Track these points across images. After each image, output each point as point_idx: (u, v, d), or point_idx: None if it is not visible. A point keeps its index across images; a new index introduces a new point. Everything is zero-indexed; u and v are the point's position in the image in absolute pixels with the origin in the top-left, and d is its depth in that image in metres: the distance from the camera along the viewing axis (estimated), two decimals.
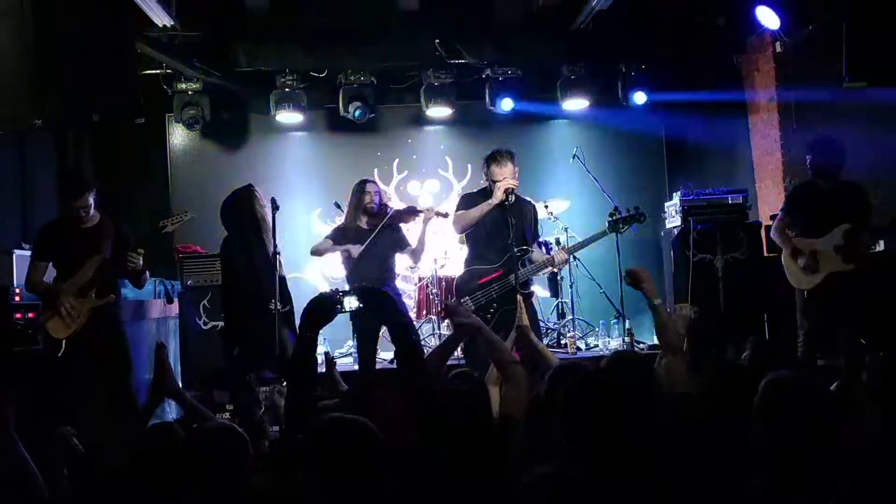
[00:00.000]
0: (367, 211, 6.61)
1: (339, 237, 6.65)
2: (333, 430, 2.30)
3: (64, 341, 5.43)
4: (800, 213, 6.13)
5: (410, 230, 6.85)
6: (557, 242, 7.99)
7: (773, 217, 7.00)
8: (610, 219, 5.85)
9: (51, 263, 5.61)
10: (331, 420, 2.37)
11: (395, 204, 8.54)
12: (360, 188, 6.72)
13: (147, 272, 5.71)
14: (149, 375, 7.14)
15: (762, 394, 2.40)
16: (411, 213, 6.78)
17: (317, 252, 6.73)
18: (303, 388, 3.10)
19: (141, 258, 5.49)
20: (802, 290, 6.15)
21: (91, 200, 5.53)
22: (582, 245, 5.92)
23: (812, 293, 6.08)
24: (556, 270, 5.92)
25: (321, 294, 3.29)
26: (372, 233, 6.50)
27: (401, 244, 6.71)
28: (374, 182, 6.90)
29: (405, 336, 3.13)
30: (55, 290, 5.47)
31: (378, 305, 3.24)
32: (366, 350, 6.56)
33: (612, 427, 2.29)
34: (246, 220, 5.82)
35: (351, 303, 3.21)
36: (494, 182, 5.64)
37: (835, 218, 5.95)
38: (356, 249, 6.47)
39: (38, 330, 5.53)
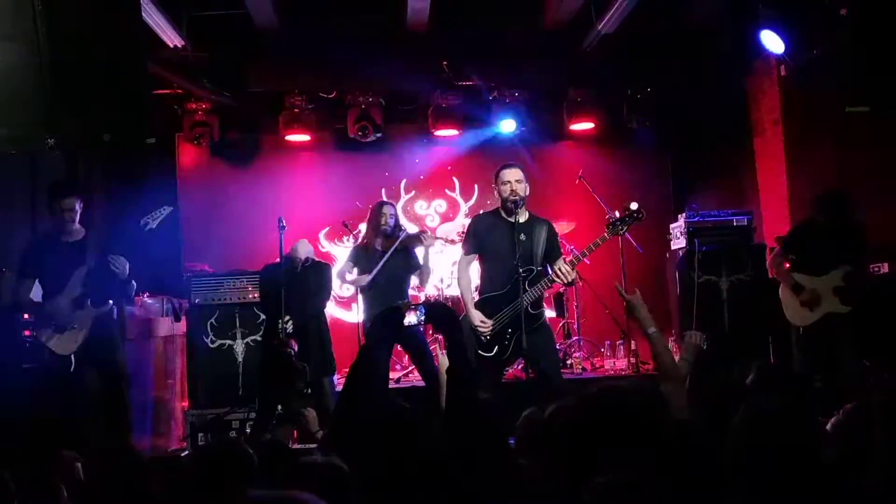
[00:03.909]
0: (382, 232, 6.74)
1: (358, 257, 6.84)
2: (302, 476, 2.32)
3: (73, 356, 5.46)
4: (800, 251, 6.20)
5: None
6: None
7: (778, 239, 7.05)
8: (608, 222, 5.63)
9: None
10: (300, 465, 2.40)
11: (404, 224, 8.59)
12: (378, 210, 6.89)
13: (133, 282, 5.73)
14: (154, 394, 7.24)
15: (743, 416, 2.41)
16: (416, 238, 6.89)
17: (340, 277, 7.00)
18: (355, 404, 3.10)
19: (126, 265, 5.52)
20: (798, 326, 6.25)
21: (77, 206, 5.58)
22: (584, 254, 5.53)
23: (807, 329, 6.17)
24: (563, 284, 5.67)
25: (387, 309, 3.31)
26: (384, 255, 6.65)
27: (414, 267, 6.86)
28: (391, 204, 7.04)
29: (461, 354, 3.14)
30: (40, 307, 5.50)
31: (443, 320, 3.24)
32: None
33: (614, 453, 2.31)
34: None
35: (411, 318, 3.23)
36: (504, 183, 5.51)
37: (833, 258, 6.02)
38: (364, 279, 6.68)
39: (41, 349, 5.54)
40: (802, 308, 6.12)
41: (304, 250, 6.58)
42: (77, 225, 5.67)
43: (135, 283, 5.78)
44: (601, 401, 2.47)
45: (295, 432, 6.36)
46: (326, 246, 9.27)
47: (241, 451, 2.79)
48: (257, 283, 7.23)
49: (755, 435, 2.33)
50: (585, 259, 5.61)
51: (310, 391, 6.33)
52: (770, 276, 6.61)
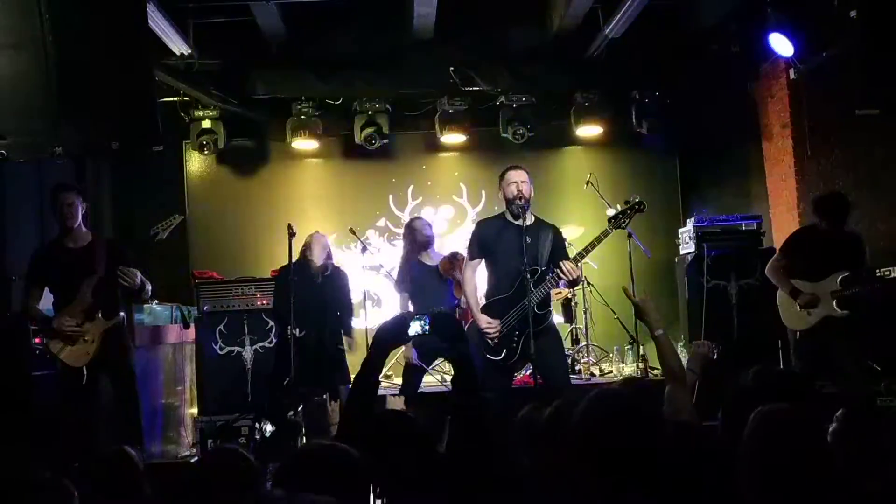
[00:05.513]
0: (425, 246, 6.92)
1: (404, 278, 6.94)
2: (310, 456, 2.33)
3: (85, 368, 5.44)
4: (799, 256, 6.24)
5: None
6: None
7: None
8: (609, 216, 5.65)
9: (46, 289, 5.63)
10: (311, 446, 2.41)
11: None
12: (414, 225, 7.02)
13: (147, 288, 5.70)
14: (164, 400, 7.25)
15: (751, 426, 2.40)
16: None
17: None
18: (359, 412, 3.10)
19: (138, 275, 5.50)
20: (795, 330, 6.28)
21: (77, 202, 5.55)
22: (587, 250, 5.50)
23: (804, 335, 6.19)
24: (570, 281, 5.58)
25: (393, 317, 3.31)
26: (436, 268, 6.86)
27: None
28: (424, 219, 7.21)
29: (467, 367, 3.13)
30: (49, 320, 5.48)
31: (448, 332, 3.24)
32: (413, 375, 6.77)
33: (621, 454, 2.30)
34: None
35: (415, 328, 3.22)
36: (510, 184, 5.54)
37: (832, 264, 6.06)
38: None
39: (53, 359, 5.51)
40: (800, 312, 6.16)
41: (319, 255, 6.55)
42: (83, 228, 5.64)
43: (149, 288, 5.74)
44: (599, 402, 2.47)
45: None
46: (334, 252, 9.26)
47: (241, 458, 2.78)
48: (266, 290, 7.23)
49: (764, 440, 2.32)
50: (587, 257, 5.61)
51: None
52: (769, 277, 6.56)
